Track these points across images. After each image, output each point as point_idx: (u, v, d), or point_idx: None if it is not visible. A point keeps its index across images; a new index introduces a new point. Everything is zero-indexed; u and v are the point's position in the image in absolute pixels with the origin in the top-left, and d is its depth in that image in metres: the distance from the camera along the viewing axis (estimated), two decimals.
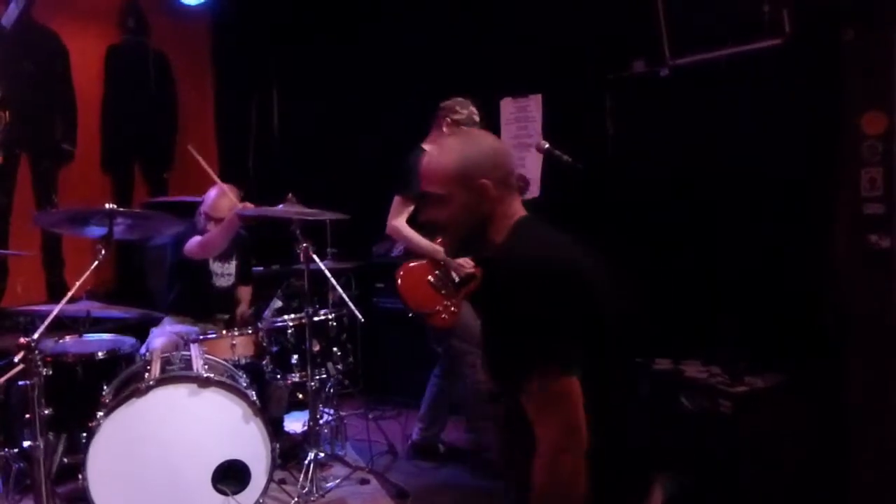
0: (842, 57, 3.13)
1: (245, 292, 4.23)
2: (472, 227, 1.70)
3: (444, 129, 3.71)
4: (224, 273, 3.99)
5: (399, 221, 3.65)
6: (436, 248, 3.53)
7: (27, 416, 2.46)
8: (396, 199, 3.67)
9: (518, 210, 1.73)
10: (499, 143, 1.81)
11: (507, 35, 4.69)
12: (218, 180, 3.79)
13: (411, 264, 3.66)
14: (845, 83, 3.14)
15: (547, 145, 3.54)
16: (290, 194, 3.58)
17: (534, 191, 4.68)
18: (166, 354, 3.30)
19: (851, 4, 3.11)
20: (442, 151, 1.74)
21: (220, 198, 3.79)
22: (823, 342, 3.24)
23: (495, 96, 4.86)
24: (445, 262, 3.59)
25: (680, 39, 3.78)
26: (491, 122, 4.67)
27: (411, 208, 3.63)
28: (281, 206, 3.53)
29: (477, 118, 3.74)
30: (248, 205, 3.63)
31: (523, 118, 4.81)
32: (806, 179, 3.38)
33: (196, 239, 3.73)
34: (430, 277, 3.61)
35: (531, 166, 4.70)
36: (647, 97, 4.03)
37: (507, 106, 4.88)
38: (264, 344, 3.60)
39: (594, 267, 1.66)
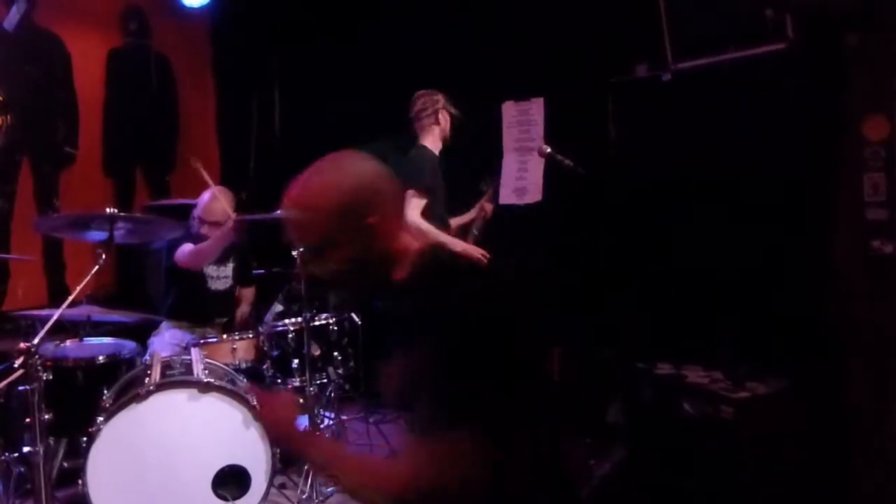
0: (844, 61, 3.12)
1: (247, 293, 4.23)
2: (366, 276, 1.43)
3: (441, 122, 3.75)
4: (220, 276, 3.98)
5: (414, 216, 3.62)
6: (454, 241, 3.54)
7: (27, 420, 2.46)
8: (408, 195, 3.66)
9: (412, 242, 1.46)
10: (375, 165, 1.46)
11: (508, 38, 4.68)
12: (212, 183, 3.78)
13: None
14: (848, 88, 3.14)
15: (549, 150, 3.54)
16: None
17: (535, 195, 4.67)
18: (167, 359, 3.30)
19: (854, 9, 3.10)
20: (310, 193, 1.39)
21: (213, 202, 3.79)
22: (825, 347, 3.23)
23: (497, 99, 4.85)
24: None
25: (682, 44, 3.77)
26: (492, 126, 4.68)
27: (425, 201, 3.63)
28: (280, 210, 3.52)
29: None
30: (240, 218, 3.61)
31: (525, 122, 4.80)
32: (808, 184, 3.37)
33: (188, 247, 3.70)
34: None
35: (533, 170, 4.69)
36: (649, 101, 4.02)
37: (509, 109, 4.87)
38: (265, 348, 3.60)
39: (515, 292, 1.42)
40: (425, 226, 3.62)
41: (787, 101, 3.43)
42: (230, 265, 4.01)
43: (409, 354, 1.32)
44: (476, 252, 3.61)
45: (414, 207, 3.61)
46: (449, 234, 3.76)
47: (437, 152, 3.91)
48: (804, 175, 3.38)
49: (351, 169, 1.44)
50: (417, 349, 1.29)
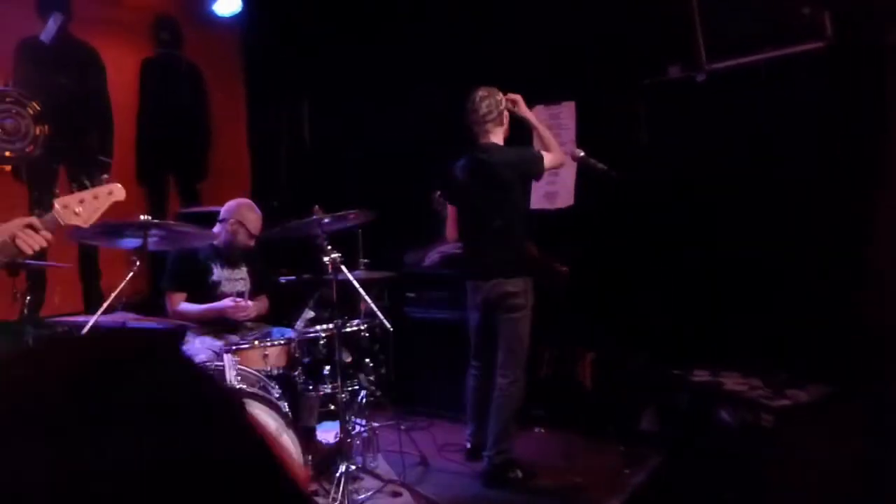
0: (886, 60, 3.04)
1: (259, 303, 4.09)
2: None
3: (505, 123, 3.72)
4: (234, 278, 3.95)
5: (451, 230, 3.62)
6: None
7: None
8: (449, 209, 3.67)
9: None
10: None
11: (538, 41, 4.65)
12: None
13: None
14: (889, 87, 3.05)
15: (582, 153, 3.50)
16: (316, 206, 3.57)
17: (567, 199, 4.62)
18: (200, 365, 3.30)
19: (895, 5, 3.02)
20: None
21: (257, 217, 3.84)
22: (867, 353, 3.14)
23: (528, 103, 4.82)
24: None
25: (716, 44, 3.71)
26: (523, 131, 4.64)
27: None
28: (314, 216, 3.51)
29: None
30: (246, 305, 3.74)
31: (556, 125, 4.76)
32: (848, 186, 3.29)
33: (186, 307, 3.74)
34: None
35: (564, 175, 4.64)
36: (682, 103, 3.96)
37: (540, 113, 4.82)
38: (296, 355, 3.59)
39: None
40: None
41: (825, 101, 3.36)
42: (243, 268, 3.99)
43: None
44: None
45: (452, 221, 3.63)
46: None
47: None
48: (844, 177, 3.30)
49: None
50: None
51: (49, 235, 2.47)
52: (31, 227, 2.42)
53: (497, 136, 3.74)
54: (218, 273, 3.91)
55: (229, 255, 3.91)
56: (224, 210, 3.93)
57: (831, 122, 3.34)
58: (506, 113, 3.73)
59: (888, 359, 3.05)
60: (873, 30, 3.06)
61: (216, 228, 3.89)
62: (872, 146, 3.16)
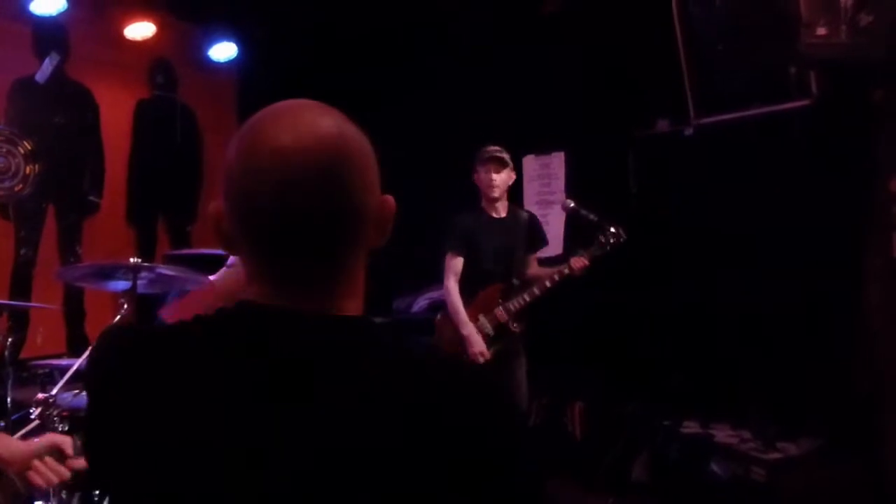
0: (871, 117, 3.11)
1: None
2: None
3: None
4: None
5: (450, 282, 3.57)
6: (465, 321, 3.45)
7: None
8: (446, 257, 3.63)
9: None
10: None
11: (529, 92, 4.72)
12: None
13: None
14: (875, 144, 3.11)
15: (573, 204, 3.53)
16: None
17: (556, 248, 4.64)
18: None
19: (879, 65, 3.10)
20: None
21: None
22: (858, 404, 3.14)
23: (518, 153, 4.86)
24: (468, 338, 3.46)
25: (705, 99, 3.79)
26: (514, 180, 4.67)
27: (460, 263, 3.57)
28: None
29: None
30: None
31: (546, 175, 4.81)
32: (836, 240, 3.32)
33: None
34: None
35: (554, 223, 4.67)
36: (671, 156, 4.02)
37: (530, 163, 4.88)
38: None
39: None
40: (452, 297, 3.56)
41: (812, 156, 3.42)
42: None
43: None
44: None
45: (450, 272, 3.59)
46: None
47: None
48: (832, 231, 3.33)
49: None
50: None
51: (79, 463, 1.64)
52: (58, 450, 1.65)
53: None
54: None
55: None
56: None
57: (818, 177, 3.39)
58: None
59: (879, 414, 3.05)
60: (858, 88, 3.14)
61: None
62: (859, 202, 3.21)
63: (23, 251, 4.84)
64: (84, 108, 5.13)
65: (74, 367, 2.61)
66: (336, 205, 0.85)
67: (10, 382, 4.09)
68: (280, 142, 0.84)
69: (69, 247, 5.01)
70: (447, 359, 1.11)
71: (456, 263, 3.57)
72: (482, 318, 3.49)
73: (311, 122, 0.88)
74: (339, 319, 0.87)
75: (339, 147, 0.87)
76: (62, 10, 4.64)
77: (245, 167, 0.86)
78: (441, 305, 4.09)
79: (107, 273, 2.98)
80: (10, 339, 4.61)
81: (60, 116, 4.94)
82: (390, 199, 0.94)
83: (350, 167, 0.87)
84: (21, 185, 4.76)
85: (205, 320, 0.87)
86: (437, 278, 3.77)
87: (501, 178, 3.59)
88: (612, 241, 3.42)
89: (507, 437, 0.83)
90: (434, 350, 1.52)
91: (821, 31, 2.97)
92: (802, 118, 3.37)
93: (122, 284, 2.96)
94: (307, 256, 0.85)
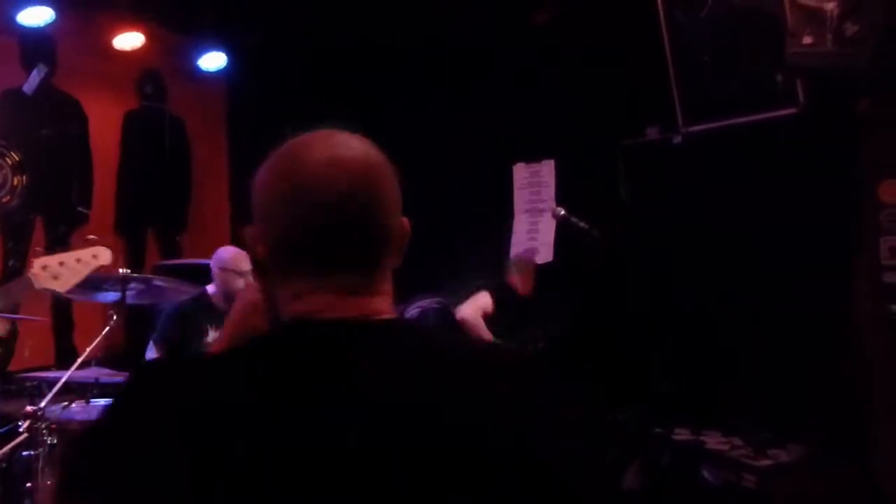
0: (858, 126, 3.13)
1: None
2: None
3: None
4: None
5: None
6: None
7: (28, 485, 2.40)
8: None
9: None
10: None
11: (519, 100, 4.74)
12: None
13: None
14: (862, 151, 3.14)
15: (563, 212, 3.54)
16: None
17: (547, 256, 4.65)
18: None
19: (865, 73, 3.13)
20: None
21: (240, 253, 3.65)
22: (847, 411, 3.15)
23: (508, 161, 4.89)
24: None
25: (693, 107, 3.81)
26: (504, 188, 4.71)
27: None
28: None
29: None
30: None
31: (536, 183, 4.82)
32: (824, 247, 3.34)
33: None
34: None
35: (544, 231, 4.69)
36: (660, 163, 4.04)
37: (520, 171, 4.90)
38: None
39: None
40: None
41: (800, 163, 3.44)
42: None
43: None
44: None
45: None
46: None
47: None
48: (820, 237, 3.35)
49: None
50: None
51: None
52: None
53: None
54: (213, 335, 3.64)
55: (227, 313, 3.78)
56: (217, 260, 3.70)
57: (806, 185, 3.41)
58: None
59: (869, 420, 3.06)
60: (844, 97, 3.16)
61: (210, 287, 3.75)
62: (846, 209, 3.23)
63: (10, 263, 4.80)
64: (72, 120, 5.11)
65: (62, 381, 2.59)
66: (377, 220, 0.93)
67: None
68: (322, 164, 0.93)
69: None
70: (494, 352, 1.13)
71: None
72: None
73: (345, 144, 0.97)
74: (389, 322, 0.94)
75: (373, 167, 0.95)
76: (50, 21, 4.63)
77: (286, 190, 0.92)
78: (431, 313, 4.10)
79: (95, 284, 2.97)
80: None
81: (48, 128, 4.92)
82: (406, 221, 1.01)
83: (382, 186, 0.95)
84: (8, 197, 4.73)
85: (268, 340, 0.93)
86: (428, 287, 3.77)
87: None
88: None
89: (568, 438, 0.92)
90: (482, 344, 1.63)
91: (807, 40, 2.99)
92: (789, 126, 3.39)
93: (111, 296, 2.96)
94: (357, 269, 0.92)
